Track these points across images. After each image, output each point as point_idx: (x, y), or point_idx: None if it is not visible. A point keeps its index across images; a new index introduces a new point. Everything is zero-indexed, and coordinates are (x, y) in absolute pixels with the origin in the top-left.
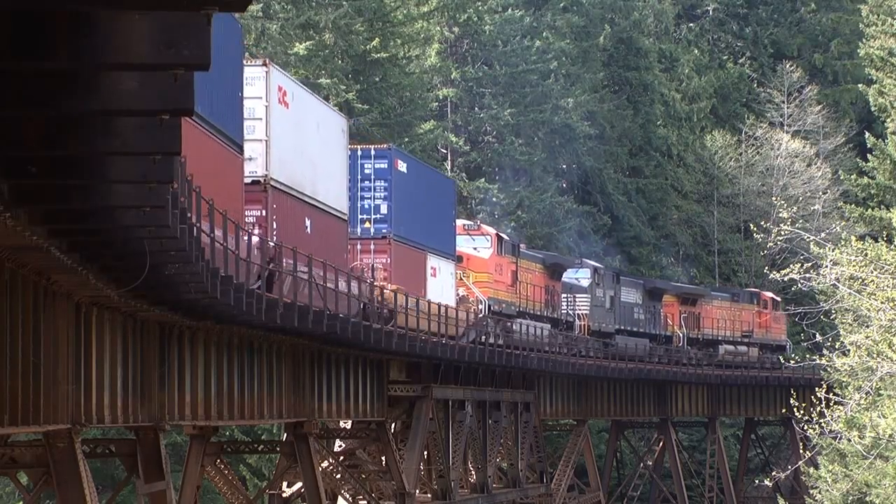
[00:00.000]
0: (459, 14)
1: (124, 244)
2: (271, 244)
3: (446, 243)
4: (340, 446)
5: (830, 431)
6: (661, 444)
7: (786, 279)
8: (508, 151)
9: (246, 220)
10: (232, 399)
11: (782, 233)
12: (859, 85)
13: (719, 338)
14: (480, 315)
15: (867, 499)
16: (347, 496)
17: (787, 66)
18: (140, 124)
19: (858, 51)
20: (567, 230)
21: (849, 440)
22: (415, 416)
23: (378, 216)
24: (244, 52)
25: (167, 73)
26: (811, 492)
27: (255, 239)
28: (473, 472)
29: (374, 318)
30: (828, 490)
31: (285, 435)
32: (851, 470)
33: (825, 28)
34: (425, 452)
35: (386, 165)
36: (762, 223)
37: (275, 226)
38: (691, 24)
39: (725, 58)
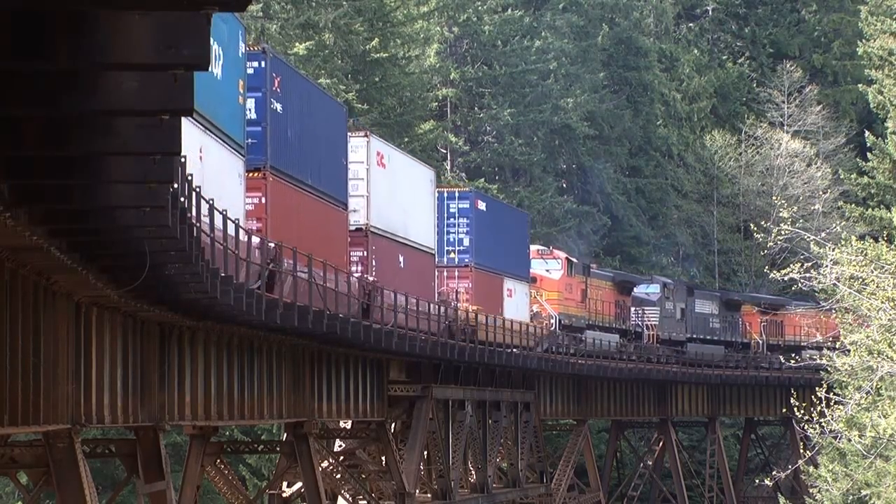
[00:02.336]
0: (459, 14)
1: (124, 244)
2: (369, 279)
3: (521, 268)
4: (340, 446)
5: (830, 431)
6: (661, 444)
7: (786, 279)
8: (508, 151)
9: (351, 260)
10: (232, 399)
11: (782, 233)
12: (859, 85)
13: (802, 344)
14: (552, 328)
15: (867, 498)
16: (347, 496)
17: (787, 66)
18: (140, 124)
19: (857, 50)
20: (567, 230)
21: (849, 440)
22: (415, 416)
23: (461, 248)
24: (348, 128)
25: (167, 73)
26: (811, 491)
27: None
28: (473, 472)
29: (457, 335)
30: (828, 490)
31: (285, 435)
32: (851, 469)
33: (825, 28)
34: (425, 452)
35: (468, 205)
36: (762, 223)
37: (374, 263)
38: (691, 24)
39: (725, 58)
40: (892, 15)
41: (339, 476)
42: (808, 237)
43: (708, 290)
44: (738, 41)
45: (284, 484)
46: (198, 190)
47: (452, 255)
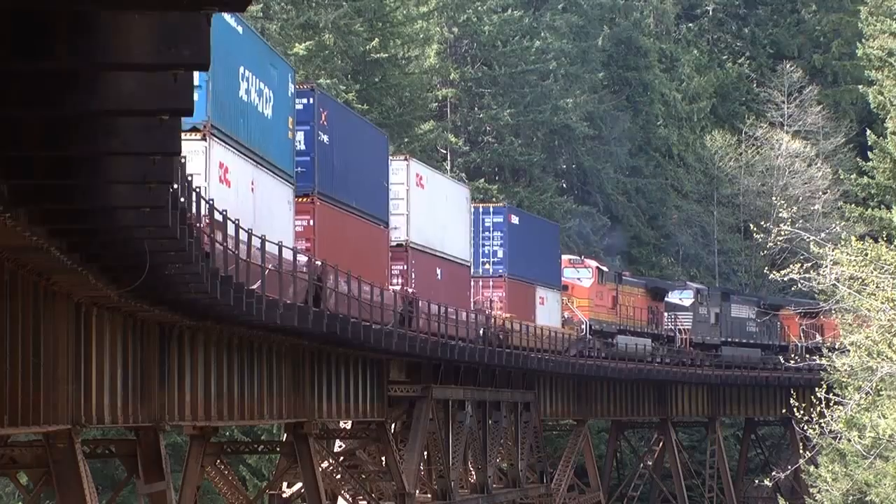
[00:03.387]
0: (459, 14)
1: (124, 244)
2: (409, 291)
3: (552, 277)
4: (340, 446)
5: (830, 431)
6: (661, 444)
7: (786, 279)
8: (508, 151)
9: (392, 273)
10: (232, 399)
11: (782, 233)
12: (859, 85)
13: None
14: (582, 333)
15: (867, 498)
16: (347, 496)
17: (787, 66)
18: (140, 124)
19: (857, 51)
20: (567, 230)
21: (849, 440)
22: (415, 416)
23: (495, 259)
24: (389, 153)
25: (167, 73)
26: (811, 492)
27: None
28: (473, 472)
29: (491, 341)
30: (828, 490)
31: (285, 435)
32: (851, 470)
33: (825, 28)
34: (425, 452)
35: (501, 219)
36: (762, 223)
37: (413, 276)
38: (690, 24)
39: (725, 58)
40: (892, 15)
41: (339, 476)
42: (808, 237)
43: (745, 295)
44: (738, 41)
45: (284, 484)
46: (198, 190)
47: (487, 266)
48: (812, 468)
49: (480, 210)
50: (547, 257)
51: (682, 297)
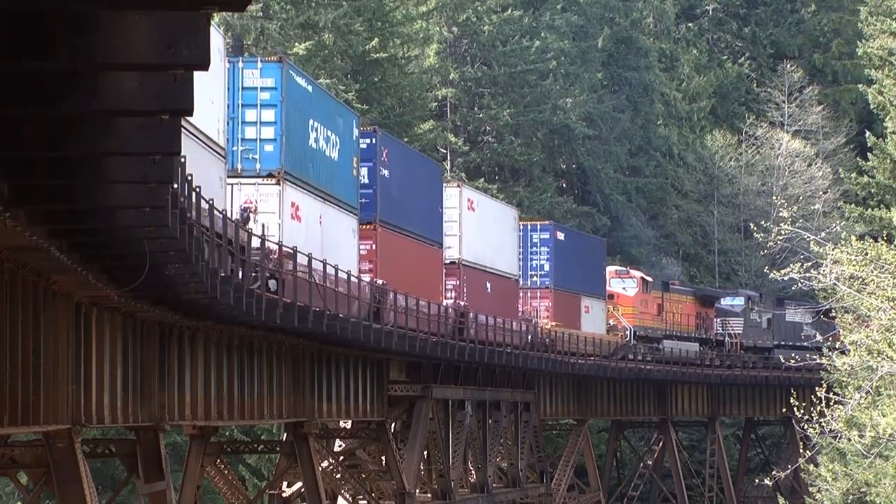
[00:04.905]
0: (458, 14)
1: (124, 244)
2: (461, 304)
3: (597, 287)
4: (340, 446)
5: (830, 431)
6: (661, 444)
7: (786, 279)
8: (508, 151)
9: (446, 288)
10: (232, 399)
11: (782, 232)
12: (859, 85)
13: None
14: (626, 339)
15: (867, 498)
16: (347, 496)
17: (787, 66)
18: (140, 124)
19: (857, 50)
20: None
21: (849, 439)
22: (415, 416)
23: (542, 272)
24: (443, 181)
25: (167, 73)
26: (811, 491)
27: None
28: (473, 472)
29: (537, 348)
30: (828, 489)
31: (285, 435)
32: (851, 469)
33: (825, 28)
34: (425, 452)
35: (548, 235)
36: (762, 223)
37: (465, 290)
38: (690, 24)
39: (725, 58)
40: (892, 15)
41: (339, 476)
42: (808, 237)
43: (798, 300)
44: (738, 41)
45: (284, 484)
46: (198, 190)
47: (535, 278)
48: (812, 468)
49: (528, 227)
50: (592, 269)
51: (733, 303)
